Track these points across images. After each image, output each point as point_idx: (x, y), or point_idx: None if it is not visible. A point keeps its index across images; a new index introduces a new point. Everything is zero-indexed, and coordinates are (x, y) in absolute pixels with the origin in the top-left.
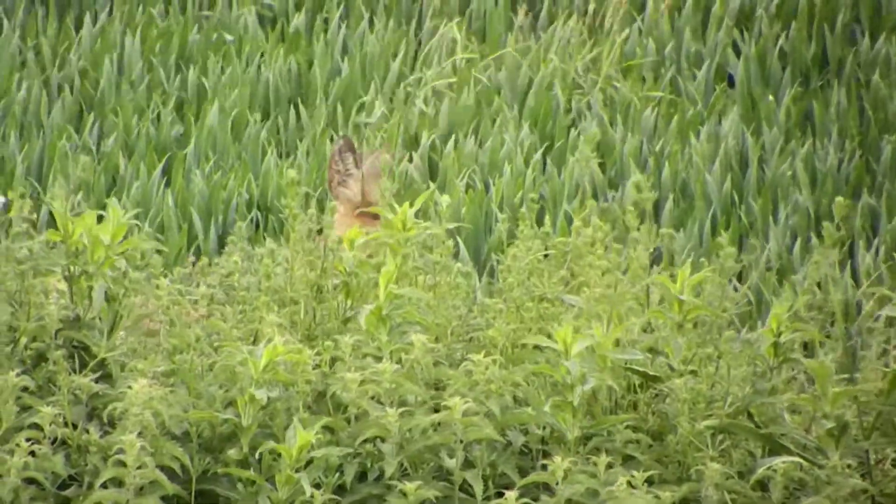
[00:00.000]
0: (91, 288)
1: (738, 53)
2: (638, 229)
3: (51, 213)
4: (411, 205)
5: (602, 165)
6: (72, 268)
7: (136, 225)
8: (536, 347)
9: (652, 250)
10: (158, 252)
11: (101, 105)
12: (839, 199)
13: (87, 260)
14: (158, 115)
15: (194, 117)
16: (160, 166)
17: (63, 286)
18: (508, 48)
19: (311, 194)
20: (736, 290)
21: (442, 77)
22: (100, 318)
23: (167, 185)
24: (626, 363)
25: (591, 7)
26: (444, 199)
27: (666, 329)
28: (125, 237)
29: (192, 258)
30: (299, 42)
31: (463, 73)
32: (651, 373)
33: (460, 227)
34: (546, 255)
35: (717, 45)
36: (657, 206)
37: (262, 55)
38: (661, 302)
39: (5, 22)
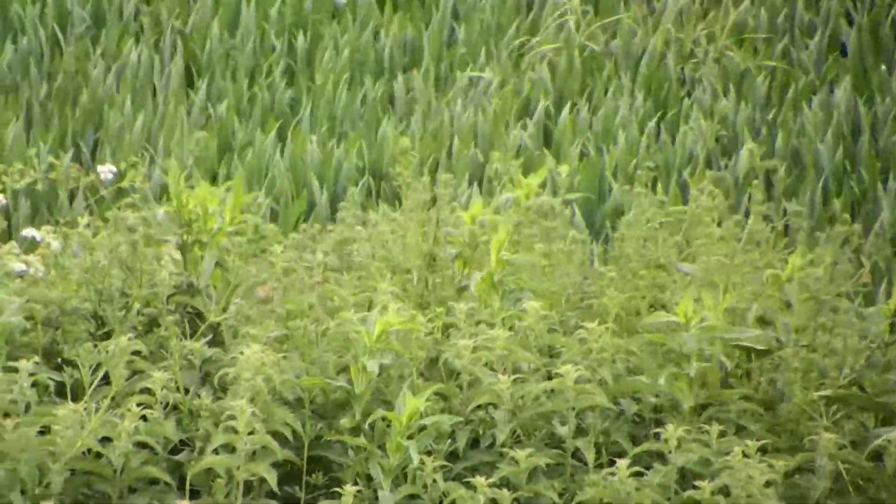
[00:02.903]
0: (203, 257)
1: (850, 23)
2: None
3: (166, 176)
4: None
5: (715, 133)
6: (185, 237)
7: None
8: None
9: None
10: (273, 220)
11: (211, 70)
12: None
13: (200, 229)
14: (271, 81)
15: (308, 83)
16: (273, 131)
17: (176, 254)
18: (622, 16)
19: (424, 161)
20: (851, 261)
21: (555, 45)
22: (213, 286)
23: (280, 150)
24: (738, 340)
25: None
26: (563, 170)
27: (778, 300)
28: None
29: (304, 225)
30: (413, 8)
31: (576, 41)
32: (760, 347)
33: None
34: (660, 223)
35: (829, 14)
36: (769, 175)
37: (376, 21)
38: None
39: None
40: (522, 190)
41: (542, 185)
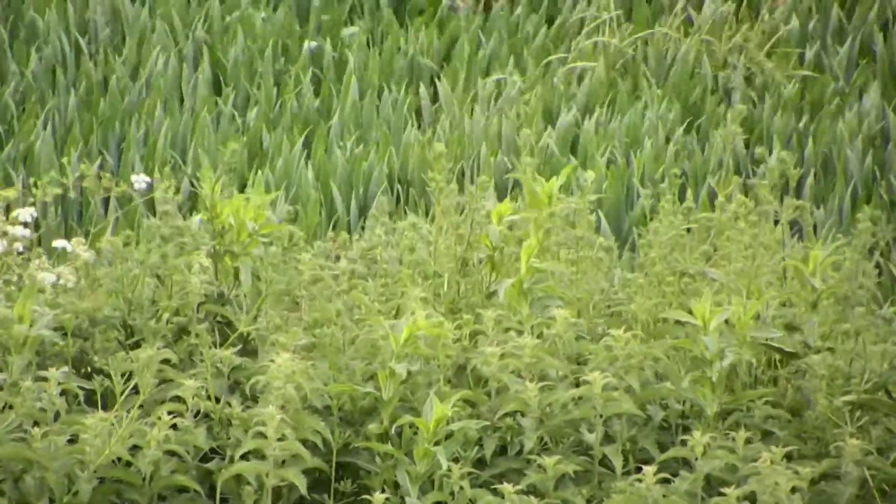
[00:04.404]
0: (237, 269)
1: (882, 29)
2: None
3: (192, 185)
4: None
5: (746, 141)
6: (217, 247)
7: (275, 202)
8: (677, 322)
9: (788, 224)
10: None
11: (237, 78)
12: None
13: (232, 240)
14: (299, 89)
15: (335, 91)
16: (301, 139)
17: (206, 262)
18: (655, 28)
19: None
20: (879, 267)
21: (585, 52)
22: (244, 295)
23: (308, 158)
24: (764, 339)
25: None
26: (589, 175)
27: (803, 305)
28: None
29: (331, 233)
30: (442, 16)
31: (606, 49)
32: (788, 349)
33: (601, 201)
34: (688, 230)
35: (860, 21)
36: (799, 182)
37: (404, 29)
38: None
39: None
40: (543, 193)
41: (567, 190)
